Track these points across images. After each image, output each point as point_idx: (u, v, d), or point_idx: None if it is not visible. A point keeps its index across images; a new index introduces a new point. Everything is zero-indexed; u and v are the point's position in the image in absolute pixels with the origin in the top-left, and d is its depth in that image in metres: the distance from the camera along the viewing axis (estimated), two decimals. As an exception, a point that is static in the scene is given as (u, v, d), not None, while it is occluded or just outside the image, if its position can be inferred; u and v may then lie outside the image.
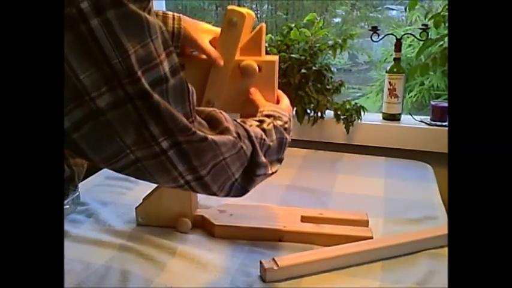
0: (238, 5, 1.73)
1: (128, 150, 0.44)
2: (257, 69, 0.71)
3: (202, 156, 0.49)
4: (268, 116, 0.66)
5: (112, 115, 0.41)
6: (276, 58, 0.73)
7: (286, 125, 0.67)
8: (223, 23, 0.69)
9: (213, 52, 0.70)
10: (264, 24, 0.71)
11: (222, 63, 0.71)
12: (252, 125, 0.61)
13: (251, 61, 0.70)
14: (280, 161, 0.65)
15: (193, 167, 0.49)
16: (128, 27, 0.40)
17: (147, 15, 0.42)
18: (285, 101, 0.76)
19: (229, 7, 0.68)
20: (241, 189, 0.58)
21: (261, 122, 0.64)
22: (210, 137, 0.50)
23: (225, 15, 0.69)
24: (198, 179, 0.51)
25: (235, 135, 0.54)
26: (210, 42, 0.71)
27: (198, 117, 0.50)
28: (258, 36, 0.71)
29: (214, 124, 0.53)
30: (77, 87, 0.39)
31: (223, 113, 0.55)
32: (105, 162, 0.45)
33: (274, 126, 0.63)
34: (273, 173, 0.63)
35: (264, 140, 0.60)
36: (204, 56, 0.71)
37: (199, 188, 0.53)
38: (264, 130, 0.61)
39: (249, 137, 0.57)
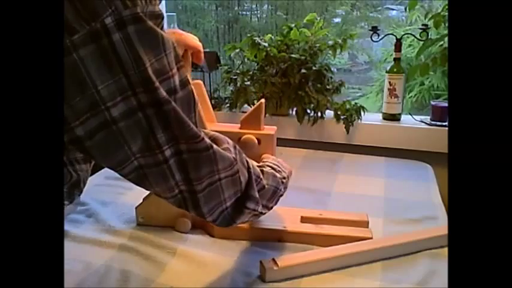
0: (239, 5, 1.73)
1: (133, 157, 0.46)
2: (257, 143, 0.75)
3: (200, 169, 0.51)
4: (269, 166, 0.68)
5: (123, 124, 0.43)
6: (274, 130, 0.77)
7: (284, 180, 0.69)
8: None
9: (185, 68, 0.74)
10: (263, 100, 0.76)
11: (200, 61, 0.75)
12: (253, 163, 0.62)
13: (250, 135, 0.75)
14: (269, 208, 0.66)
15: (189, 178, 0.50)
16: (146, 42, 0.43)
17: (162, 32, 0.45)
18: (286, 164, 0.76)
19: None
20: (230, 219, 0.59)
21: (262, 166, 0.66)
22: (214, 146, 0.51)
23: None
24: (191, 192, 0.52)
25: (234, 156, 0.55)
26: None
27: (202, 130, 0.52)
28: (258, 111, 0.76)
29: (217, 143, 0.54)
30: (95, 98, 0.41)
31: (227, 138, 0.57)
32: (114, 168, 0.47)
33: (273, 175, 0.65)
34: (261, 214, 0.63)
35: (261, 179, 0.62)
36: None
37: (191, 203, 0.53)
38: (262, 172, 0.63)
39: (248, 167, 0.58)
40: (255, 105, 0.76)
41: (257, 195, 0.60)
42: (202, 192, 0.52)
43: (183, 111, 0.47)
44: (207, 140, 0.50)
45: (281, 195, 0.68)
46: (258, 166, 0.65)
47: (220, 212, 0.56)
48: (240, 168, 0.56)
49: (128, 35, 0.41)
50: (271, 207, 0.67)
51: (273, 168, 0.68)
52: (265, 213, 0.65)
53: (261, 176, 0.62)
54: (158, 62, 0.44)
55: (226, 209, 0.57)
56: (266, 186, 0.63)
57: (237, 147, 0.58)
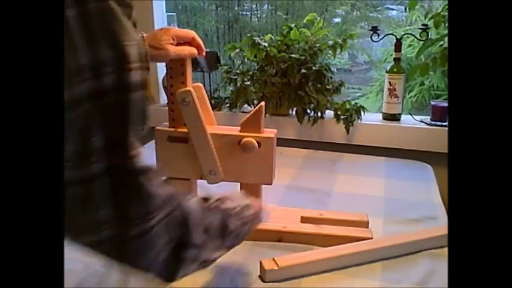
0: (239, 5, 1.73)
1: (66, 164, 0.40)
2: (257, 146, 0.75)
3: (131, 201, 0.44)
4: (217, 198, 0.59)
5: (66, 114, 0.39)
6: (274, 133, 0.77)
7: (237, 210, 0.59)
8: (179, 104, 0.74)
9: (183, 50, 0.72)
10: (263, 103, 0.76)
11: (203, 52, 0.74)
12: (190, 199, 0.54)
13: (251, 138, 0.75)
14: (228, 247, 0.57)
15: (119, 216, 0.43)
16: (104, 22, 0.40)
17: (127, 22, 0.43)
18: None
19: (177, 92, 0.73)
20: (169, 273, 0.50)
21: (205, 199, 0.57)
22: (147, 176, 0.44)
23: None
24: (123, 238, 0.44)
25: (173, 194, 0.49)
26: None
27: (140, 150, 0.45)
28: (258, 114, 0.75)
29: (149, 174, 0.46)
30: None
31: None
32: None
33: (216, 207, 0.56)
34: (212, 260, 0.55)
35: (200, 218, 0.53)
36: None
37: (123, 254, 0.46)
38: (203, 208, 0.55)
39: (180, 206, 0.50)
40: (255, 108, 0.76)
41: (198, 241, 0.51)
42: (133, 243, 0.44)
43: (131, 115, 0.42)
44: (138, 163, 0.43)
45: (237, 231, 0.58)
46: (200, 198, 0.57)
47: (159, 264, 0.48)
48: (177, 212, 0.49)
49: (87, 10, 0.38)
50: (232, 245, 0.58)
51: (219, 199, 0.59)
52: (215, 259, 0.55)
53: (199, 214, 0.54)
54: (126, 47, 0.41)
55: (164, 261, 0.49)
56: (210, 224, 0.54)
57: (175, 192, 0.50)
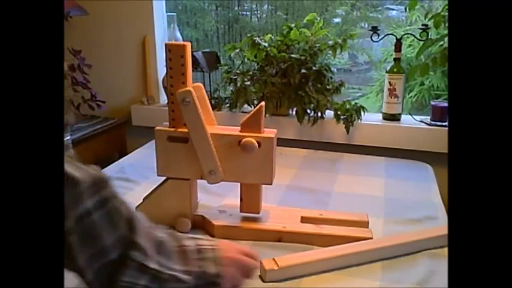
0: (239, 5, 1.73)
1: None
2: (257, 146, 0.75)
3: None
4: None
5: None
6: (274, 133, 0.77)
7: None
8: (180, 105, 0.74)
9: (248, 261, 0.63)
10: (263, 103, 0.76)
11: (257, 263, 0.65)
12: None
13: (251, 138, 0.75)
14: (171, 269, 0.52)
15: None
16: None
17: None
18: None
19: (177, 92, 0.74)
20: (111, 277, 0.48)
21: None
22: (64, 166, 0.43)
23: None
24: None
25: (102, 177, 0.47)
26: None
27: None
28: (258, 114, 0.76)
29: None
30: None
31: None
32: None
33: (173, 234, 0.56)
34: (159, 274, 0.50)
35: (152, 229, 0.52)
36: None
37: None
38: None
39: (126, 206, 0.50)
40: (255, 108, 0.76)
41: (145, 246, 0.49)
42: (72, 234, 0.44)
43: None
44: None
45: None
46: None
47: (103, 264, 0.47)
48: (111, 198, 0.48)
49: None
50: (177, 271, 0.52)
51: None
52: (167, 277, 0.51)
53: (151, 225, 0.53)
54: None
55: (112, 261, 0.47)
56: (164, 239, 0.53)
57: (106, 176, 0.49)
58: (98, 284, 0.47)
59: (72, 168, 0.44)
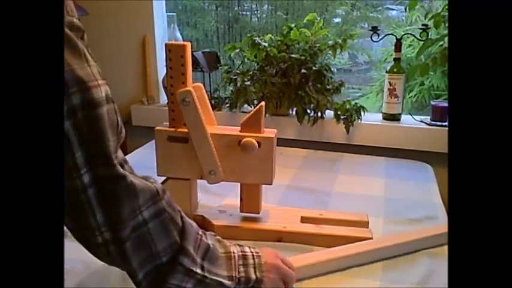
0: (239, 5, 1.73)
1: None
2: (257, 146, 0.75)
3: (120, 204, 0.47)
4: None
5: None
6: (274, 133, 0.77)
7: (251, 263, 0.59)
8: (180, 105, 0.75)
9: (288, 269, 0.64)
10: (263, 103, 0.76)
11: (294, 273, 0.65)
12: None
13: (251, 138, 0.75)
14: (215, 274, 0.55)
15: (111, 220, 0.46)
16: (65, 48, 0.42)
17: (83, 45, 0.44)
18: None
19: (177, 92, 0.74)
20: (161, 279, 0.51)
21: (219, 241, 0.60)
22: (129, 177, 0.47)
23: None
24: (117, 242, 0.47)
25: (158, 188, 0.51)
26: None
27: (122, 155, 0.49)
28: (258, 114, 0.76)
29: (133, 172, 0.50)
30: None
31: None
32: None
33: (224, 245, 0.59)
34: (204, 278, 0.53)
35: (201, 236, 0.55)
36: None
37: (118, 257, 0.48)
38: (204, 233, 0.57)
39: (180, 214, 0.54)
40: (255, 108, 0.76)
41: (193, 252, 0.53)
42: (128, 241, 0.48)
43: (102, 129, 0.45)
44: (119, 169, 0.46)
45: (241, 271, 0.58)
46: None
47: (154, 267, 0.50)
48: (167, 208, 0.51)
49: None
50: (221, 276, 0.55)
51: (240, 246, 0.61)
52: (211, 281, 0.54)
53: (201, 232, 0.56)
54: (83, 68, 0.43)
55: (161, 265, 0.51)
56: (211, 246, 0.56)
57: (163, 188, 0.53)
58: (146, 286, 0.51)
59: (135, 179, 0.48)
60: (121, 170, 0.47)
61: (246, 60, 1.38)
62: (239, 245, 0.61)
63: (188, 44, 0.74)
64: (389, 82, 1.29)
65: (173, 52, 0.73)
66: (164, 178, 0.81)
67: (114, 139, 0.47)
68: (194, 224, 0.56)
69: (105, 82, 0.47)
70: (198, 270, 0.53)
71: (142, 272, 0.50)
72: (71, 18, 0.43)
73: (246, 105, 1.36)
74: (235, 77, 1.35)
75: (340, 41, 1.29)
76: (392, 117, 1.32)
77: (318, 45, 1.31)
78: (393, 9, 1.72)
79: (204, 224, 0.82)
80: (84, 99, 0.43)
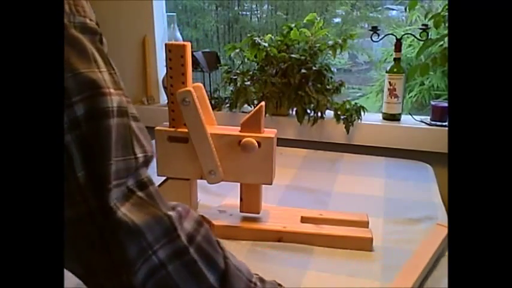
0: (239, 5, 1.73)
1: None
2: (257, 146, 0.75)
3: (118, 243, 0.38)
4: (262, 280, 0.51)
5: None
6: (274, 133, 0.77)
7: None
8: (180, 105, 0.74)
9: None
10: (263, 103, 0.76)
11: None
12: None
13: (251, 138, 0.75)
14: None
15: (116, 263, 0.39)
16: (71, 50, 0.37)
17: (95, 49, 0.40)
18: None
19: (177, 92, 0.74)
20: None
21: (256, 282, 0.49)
22: (123, 211, 0.39)
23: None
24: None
25: (175, 222, 0.41)
26: None
27: (141, 180, 0.41)
28: (258, 114, 0.75)
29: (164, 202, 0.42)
30: None
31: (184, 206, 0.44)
32: None
33: None
34: None
35: (255, 285, 0.46)
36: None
37: None
38: (262, 279, 0.48)
39: (224, 254, 0.45)
40: (255, 108, 0.76)
41: None
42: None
43: (117, 147, 0.39)
44: (119, 214, 0.38)
45: None
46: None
47: None
48: (194, 246, 0.42)
49: None
50: None
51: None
52: None
53: (254, 279, 0.47)
54: (91, 73, 0.38)
55: None
56: None
57: (200, 220, 0.45)
58: None
59: (137, 211, 0.40)
60: (119, 214, 0.38)
61: (246, 60, 1.38)
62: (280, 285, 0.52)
63: (188, 44, 0.74)
64: (390, 82, 1.29)
65: (173, 52, 0.73)
66: (164, 178, 0.81)
67: (123, 162, 0.39)
68: (245, 268, 0.47)
69: (122, 93, 0.40)
70: None
71: None
72: (83, 18, 0.38)
73: (246, 105, 1.36)
74: (235, 77, 1.35)
75: (340, 41, 1.29)
76: (392, 117, 1.32)
77: (318, 45, 1.31)
78: (393, 9, 1.72)
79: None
80: (89, 109, 0.37)
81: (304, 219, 0.82)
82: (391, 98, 1.30)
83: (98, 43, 0.40)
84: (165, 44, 0.74)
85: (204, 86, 0.84)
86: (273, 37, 1.36)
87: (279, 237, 0.78)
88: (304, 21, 1.34)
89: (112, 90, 0.39)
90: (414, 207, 0.92)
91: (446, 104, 1.29)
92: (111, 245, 0.38)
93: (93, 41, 0.40)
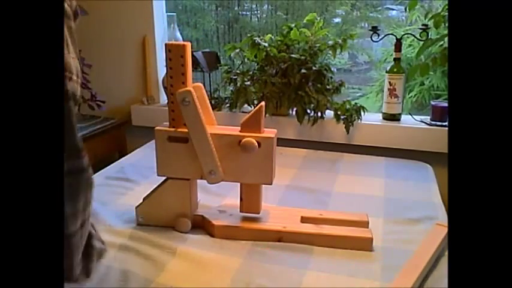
0: (239, 5, 1.73)
1: None
2: (257, 146, 0.75)
3: (78, 197, 0.48)
4: None
5: None
6: (274, 133, 0.77)
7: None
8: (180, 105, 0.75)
9: None
10: (263, 103, 0.76)
11: None
12: None
13: (251, 138, 0.75)
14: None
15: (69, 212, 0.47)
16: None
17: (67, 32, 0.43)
18: None
19: (177, 92, 0.74)
20: (88, 270, 0.55)
21: None
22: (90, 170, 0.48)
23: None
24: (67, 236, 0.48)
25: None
26: None
27: None
28: (258, 114, 0.76)
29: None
30: None
31: None
32: None
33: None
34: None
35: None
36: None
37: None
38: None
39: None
40: (255, 108, 0.76)
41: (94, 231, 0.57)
42: (75, 236, 0.49)
43: (72, 122, 0.44)
44: (86, 162, 0.48)
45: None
46: None
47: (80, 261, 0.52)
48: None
49: None
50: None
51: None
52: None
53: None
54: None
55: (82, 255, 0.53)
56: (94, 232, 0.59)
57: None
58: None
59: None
60: (87, 162, 0.48)
61: (246, 60, 1.38)
62: None
63: (188, 44, 0.74)
64: (390, 82, 1.29)
65: (173, 52, 0.73)
66: (164, 178, 0.81)
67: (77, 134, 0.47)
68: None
69: (77, 81, 0.45)
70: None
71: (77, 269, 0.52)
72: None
73: (246, 105, 1.36)
74: (235, 77, 1.35)
75: (340, 41, 1.29)
76: (393, 117, 1.32)
77: (318, 45, 1.31)
78: (393, 9, 1.72)
79: (204, 224, 0.82)
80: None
81: (304, 219, 0.82)
82: (391, 98, 1.30)
83: (72, 28, 0.44)
84: (165, 44, 0.74)
85: (204, 86, 0.84)
86: (273, 37, 1.36)
87: (279, 237, 0.78)
88: (304, 21, 1.34)
89: (74, 77, 0.43)
90: (414, 207, 0.92)
91: (446, 104, 1.29)
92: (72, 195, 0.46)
93: (68, 25, 0.43)
